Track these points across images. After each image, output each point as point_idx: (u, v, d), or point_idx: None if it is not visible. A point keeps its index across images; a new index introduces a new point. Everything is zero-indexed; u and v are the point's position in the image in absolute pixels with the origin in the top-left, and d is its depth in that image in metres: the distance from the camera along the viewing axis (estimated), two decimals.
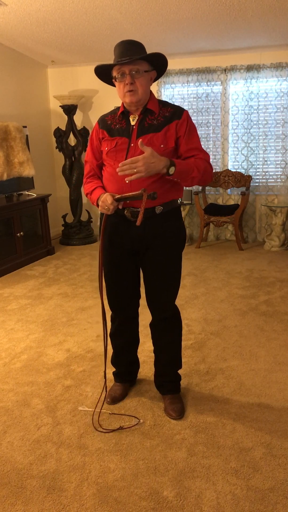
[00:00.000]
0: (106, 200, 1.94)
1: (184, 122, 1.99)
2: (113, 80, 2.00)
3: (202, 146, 5.55)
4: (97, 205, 2.04)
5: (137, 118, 2.01)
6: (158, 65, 1.99)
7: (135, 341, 2.43)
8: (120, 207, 1.96)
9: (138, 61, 1.90)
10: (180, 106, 2.08)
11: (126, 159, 1.96)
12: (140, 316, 2.42)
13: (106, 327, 2.23)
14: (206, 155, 2.03)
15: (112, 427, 2.16)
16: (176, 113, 2.00)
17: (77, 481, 1.83)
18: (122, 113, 2.04)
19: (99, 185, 2.09)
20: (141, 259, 2.14)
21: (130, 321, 2.34)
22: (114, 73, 1.96)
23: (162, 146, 1.97)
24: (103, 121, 2.09)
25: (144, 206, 1.83)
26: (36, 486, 1.81)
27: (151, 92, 2.04)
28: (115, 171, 1.99)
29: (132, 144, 1.98)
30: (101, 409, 2.29)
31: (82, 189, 6.07)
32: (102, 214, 2.13)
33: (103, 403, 2.34)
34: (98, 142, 2.10)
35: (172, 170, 1.86)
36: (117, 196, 1.94)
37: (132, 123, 2.01)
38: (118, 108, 2.09)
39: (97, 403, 2.33)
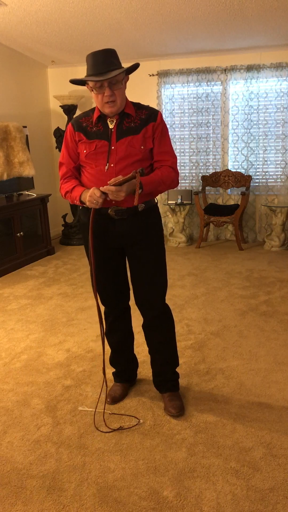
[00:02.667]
0: (94, 194, 1.95)
1: (160, 125, 2.08)
2: (89, 88, 2.01)
3: (199, 147, 5.54)
4: (80, 202, 2.06)
5: (115, 121, 2.05)
6: (129, 70, 2.03)
7: (130, 337, 2.44)
8: (108, 199, 1.97)
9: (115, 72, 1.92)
10: (153, 107, 2.13)
11: (108, 161, 2.03)
12: (138, 315, 2.42)
13: (103, 327, 2.23)
14: (175, 162, 2.13)
15: (112, 427, 2.16)
16: (152, 115, 2.07)
17: (77, 481, 1.83)
18: (99, 117, 2.07)
19: (77, 183, 2.12)
20: (127, 255, 2.19)
21: (123, 315, 2.37)
22: (91, 85, 1.97)
23: (142, 147, 2.04)
24: (78, 123, 2.11)
25: (139, 187, 1.89)
26: (36, 486, 1.81)
27: (125, 96, 2.08)
28: (98, 172, 2.05)
29: (113, 147, 2.03)
30: (104, 410, 2.29)
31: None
32: (83, 213, 2.16)
33: (105, 404, 2.34)
34: (74, 144, 2.12)
35: (140, 192, 1.96)
36: (104, 187, 1.94)
37: (111, 126, 2.05)
38: (91, 110, 2.11)
39: (97, 404, 2.33)
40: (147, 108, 2.11)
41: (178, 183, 2.17)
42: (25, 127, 5.14)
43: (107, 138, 2.04)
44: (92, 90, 1.99)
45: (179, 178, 2.33)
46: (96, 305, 2.17)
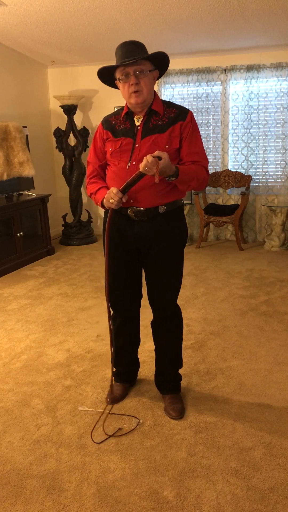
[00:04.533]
0: (110, 191, 1.92)
1: (189, 124, 2.01)
2: (117, 82, 2.00)
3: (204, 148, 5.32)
4: (102, 206, 2.04)
5: (141, 118, 2.01)
6: (160, 65, 2.01)
7: (136, 341, 2.43)
8: (124, 200, 1.94)
9: (141, 61, 1.91)
10: (185, 107, 2.08)
11: (130, 159, 1.99)
12: (140, 316, 2.42)
13: (111, 326, 2.22)
14: (206, 162, 2.05)
15: (112, 427, 2.16)
16: (181, 114, 2.01)
17: (77, 481, 1.83)
18: (126, 114, 2.04)
19: (104, 185, 2.10)
20: (144, 258, 2.15)
21: (131, 320, 2.34)
22: (118, 75, 1.95)
23: (167, 146, 1.98)
24: (107, 122, 2.09)
25: (158, 171, 1.78)
26: (36, 486, 1.81)
27: (155, 92, 2.04)
28: (120, 170, 2.01)
29: (137, 145, 1.99)
30: (110, 411, 2.29)
31: (83, 189, 6.10)
32: (105, 214, 2.13)
33: (109, 408, 2.34)
34: (102, 143, 2.10)
35: (172, 179, 1.91)
36: (124, 185, 1.90)
37: (137, 123, 2.01)
38: (121, 108, 2.09)
39: (99, 420, 2.32)
40: (178, 107, 2.04)
41: (206, 184, 2.08)
42: (25, 127, 5.13)
43: (133, 136, 2.00)
44: (119, 81, 1.95)
45: None
46: (107, 303, 2.14)
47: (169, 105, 2.05)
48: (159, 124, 1.99)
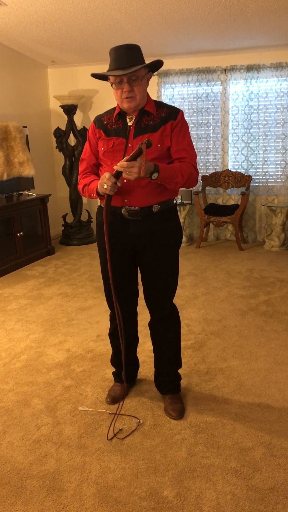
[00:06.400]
0: (103, 177, 1.90)
1: (179, 123, 2.03)
2: (110, 84, 2.00)
3: (199, 147, 5.46)
4: (96, 194, 2.02)
5: (134, 118, 2.03)
6: (153, 67, 2.01)
7: (134, 341, 2.43)
8: (119, 184, 1.91)
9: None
10: (176, 106, 2.09)
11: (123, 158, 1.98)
12: (140, 315, 2.42)
13: (120, 320, 2.16)
14: (193, 159, 2.06)
15: (112, 428, 2.16)
16: (172, 114, 2.04)
17: (77, 481, 1.83)
18: (119, 114, 2.06)
19: (97, 178, 2.09)
20: (139, 258, 2.16)
21: (129, 320, 2.34)
22: (112, 79, 1.96)
23: (159, 145, 2.00)
24: (99, 121, 2.11)
25: (145, 155, 1.79)
26: (36, 486, 1.81)
27: (147, 93, 2.05)
28: (111, 170, 2.01)
29: (130, 145, 2.00)
30: (118, 412, 2.29)
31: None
32: (100, 212, 2.13)
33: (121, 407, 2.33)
34: (95, 140, 2.11)
35: (155, 176, 1.89)
36: (115, 166, 1.87)
37: (129, 123, 2.03)
38: (113, 108, 2.10)
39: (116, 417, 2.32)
40: (169, 107, 2.07)
41: (197, 181, 2.09)
42: (25, 127, 5.14)
43: (125, 136, 2.02)
44: (112, 85, 1.97)
45: None
46: (113, 300, 2.10)
47: (160, 105, 2.08)
48: (151, 124, 2.02)
